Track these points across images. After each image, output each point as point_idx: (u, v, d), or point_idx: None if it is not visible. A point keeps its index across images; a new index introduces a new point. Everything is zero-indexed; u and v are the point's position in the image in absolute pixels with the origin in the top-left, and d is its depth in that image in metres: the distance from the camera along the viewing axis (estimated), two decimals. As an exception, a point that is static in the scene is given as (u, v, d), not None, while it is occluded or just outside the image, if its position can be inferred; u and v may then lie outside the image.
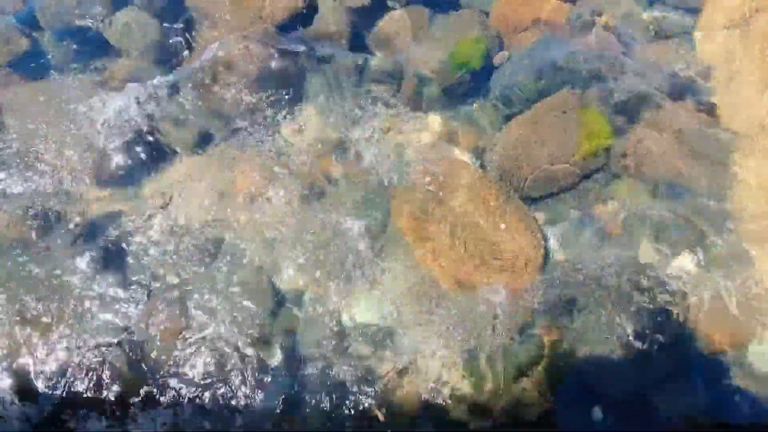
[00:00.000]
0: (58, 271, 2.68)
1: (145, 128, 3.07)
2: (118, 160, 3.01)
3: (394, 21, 3.51)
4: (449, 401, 2.49)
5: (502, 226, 2.73)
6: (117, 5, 3.50)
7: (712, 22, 3.43)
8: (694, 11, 3.47)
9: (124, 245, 2.82)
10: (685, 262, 2.76)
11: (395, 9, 3.55)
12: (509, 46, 3.52)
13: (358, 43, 3.48)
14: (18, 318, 2.57)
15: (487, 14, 3.57)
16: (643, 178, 2.98)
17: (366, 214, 2.90)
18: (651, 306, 2.64)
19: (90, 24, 3.44)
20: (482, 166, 3.07)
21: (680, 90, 3.22)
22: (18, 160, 2.99)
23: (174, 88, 3.19)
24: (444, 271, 2.73)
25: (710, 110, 3.14)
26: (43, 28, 3.48)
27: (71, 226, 2.83)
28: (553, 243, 2.89)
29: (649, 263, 2.77)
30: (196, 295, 2.68)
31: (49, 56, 3.38)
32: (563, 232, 2.93)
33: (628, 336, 2.58)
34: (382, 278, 2.76)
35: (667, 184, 2.97)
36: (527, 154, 2.93)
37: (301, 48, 3.33)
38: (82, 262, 2.72)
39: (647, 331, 2.59)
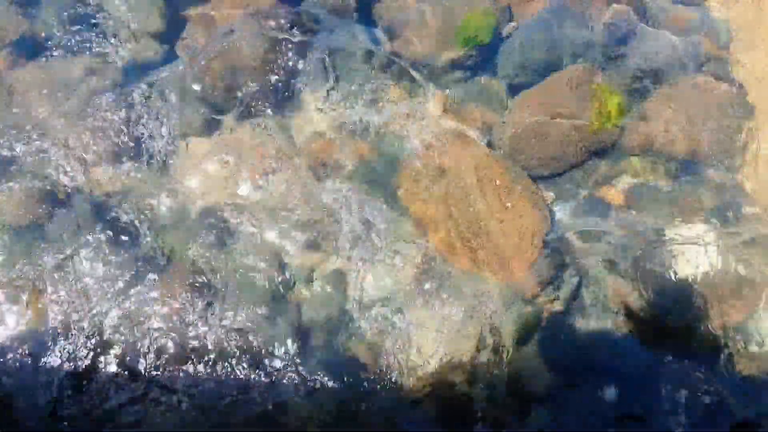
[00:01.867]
0: (67, 251, 2.71)
1: (152, 110, 3.03)
2: (125, 140, 2.99)
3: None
4: (452, 375, 2.53)
5: (508, 204, 2.71)
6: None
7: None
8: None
9: (133, 223, 2.83)
10: (699, 232, 2.72)
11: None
12: (519, 16, 3.37)
13: (364, 18, 3.36)
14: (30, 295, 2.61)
15: (496, -18, 3.40)
16: (657, 152, 2.91)
17: (373, 191, 2.89)
18: (661, 276, 2.63)
19: (91, 3, 3.34)
20: (490, 144, 3.01)
21: (697, 61, 3.09)
22: (27, 139, 2.98)
23: (180, 71, 3.13)
24: (448, 248, 2.73)
25: (728, 82, 3.01)
26: (43, 6, 3.38)
27: (81, 204, 2.85)
28: (560, 218, 2.87)
29: (660, 234, 2.73)
30: (205, 274, 2.70)
31: (52, 36, 3.29)
32: (572, 208, 2.90)
33: (635, 309, 2.58)
34: (389, 255, 2.76)
35: (680, 159, 2.90)
36: (535, 131, 2.85)
37: (307, 23, 3.23)
38: (92, 241, 2.73)
39: (655, 303, 2.59)
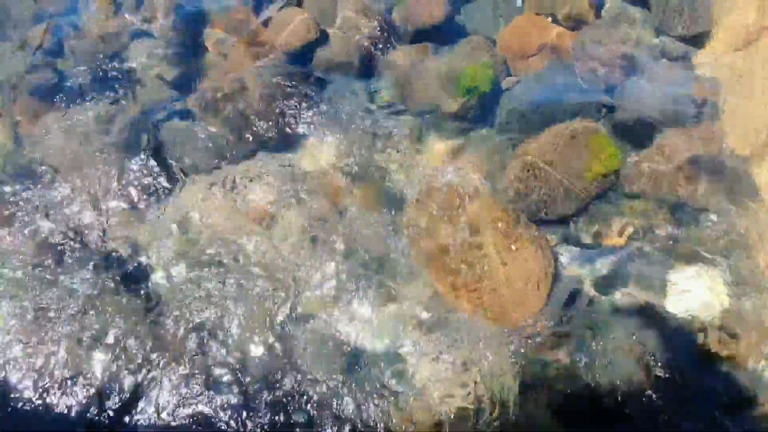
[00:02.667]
0: (77, 292, 2.67)
1: (161, 151, 3.09)
2: (134, 182, 3.03)
3: (401, 52, 3.52)
4: (452, 426, 2.37)
5: (513, 247, 2.66)
6: (137, 36, 3.58)
7: (718, 45, 3.39)
8: (700, 36, 3.43)
9: (141, 265, 2.81)
10: (702, 277, 2.66)
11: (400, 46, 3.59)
12: (517, 72, 3.51)
13: (367, 72, 3.49)
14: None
15: (493, 42, 3.58)
16: (654, 198, 2.91)
17: (375, 236, 2.86)
18: (666, 325, 2.55)
19: (112, 53, 3.52)
20: (492, 189, 3.02)
21: (688, 112, 3.16)
22: (38, 183, 3.02)
23: (189, 114, 3.23)
24: (452, 293, 2.65)
25: (719, 131, 3.07)
26: (67, 58, 3.55)
27: (91, 246, 2.84)
28: (564, 263, 2.81)
29: (664, 279, 2.66)
30: (206, 314, 2.65)
31: (72, 85, 3.45)
32: (576, 253, 2.85)
33: (642, 357, 2.46)
34: (395, 298, 2.69)
35: (678, 204, 2.90)
36: (538, 176, 2.87)
37: (313, 76, 3.37)
38: (101, 284, 2.71)
39: (662, 351, 2.47)
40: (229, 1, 3.78)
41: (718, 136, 3.04)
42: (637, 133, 3.11)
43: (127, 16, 3.69)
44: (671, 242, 2.79)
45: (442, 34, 3.61)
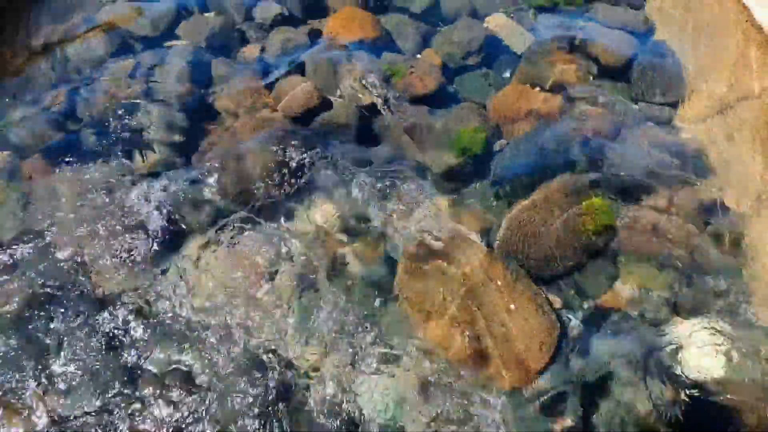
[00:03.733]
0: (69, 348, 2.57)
1: (163, 213, 3.10)
2: (134, 243, 3.00)
3: (398, 115, 3.67)
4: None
5: (512, 306, 2.59)
6: (149, 99, 3.71)
7: (696, 111, 3.55)
8: (678, 103, 3.62)
9: (136, 325, 2.71)
10: (705, 338, 2.57)
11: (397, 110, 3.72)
12: (508, 135, 3.63)
13: (365, 135, 3.60)
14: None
15: (485, 107, 3.74)
16: (650, 256, 2.89)
17: (373, 292, 2.80)
18: (673, 386, 2.45)
19: (123, 116, 3.62)
20: (488, 246, 3.00)
21: (675, 171, 3.24)
22: (39, 240, 2.98)
23: (193, 175, 3.27)
24: (449, 354, 2.54)
25: (709, 189, 3.13)
26: (80, 119, 3.64)
27: (84, 305, 2.76)
28: (565, 323, 2.73)
29: (669, 342, 2.58)
30: (200, 376, 2.53)
31: (81, 146, 3.51)
32: (576, 313, 2.78)
33: (652, 424, 2.32)
34: (390, 362, 2.57)
35: (674, 261, 2.88)
36: (533, 233, 2.87)
37: (313, 140, 3.47)
38: (94, 341, 2.61)
39: (671, 415, 2.34)
40: (237, 69, 3.98)
41: (709, 194, 3.09)
42: (627, 192, 3.17)
43: (140, 80, 3.84)
44: (671, 300, 2.74)
45: (436, 101, 3.78)
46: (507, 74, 4.01)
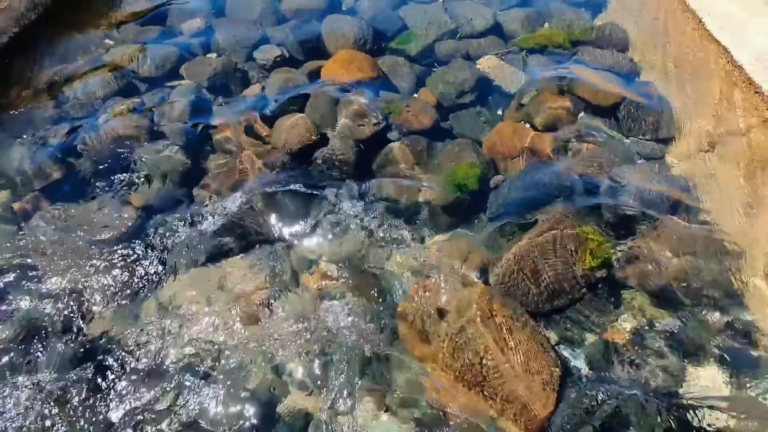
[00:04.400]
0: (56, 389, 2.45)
1: (156, 250, 3.04)
2: (126, 278, 2.93)
3: (395, 150, 3.69)
4: None
5: (513, 344, 2.50)
6: (151, 136, 3.73)
7: (686, 147, 3.61)
8: (668, 140, 3.68)
9: (123, 362, 2.61)
10: (713, 380, 2.49)
11: (395, 141, 3.76)
12: (503, 170, 3.65)
13: (363, 171, 3.61)
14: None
15: (479, 143, 3.78)
16: (650, 290, 2.85)
17: (370, 333, 2.71)
18: (679, 420, 2.36)
19: (124, 152, 3.62)
20: (486, 282, 2.95)
21: (669, 206, 3.25)
22: (27, 276, 2.90)
23: (191, 211, 3.24)
24: (451, 397, 2.42)
25: (704, 226, 3.12)
26: (80, 155, 3.63)
27: (70, 343, 2.66)
28: (568, 361, 2.64)
29: (675, 383, 2.48)
30: (193, 411, 2.42)
31: (78, 181, 3.49)
32: (579, 351, 2.69)
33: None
34: (387, 407, 2.45)
35: (674, 294, 2.83)
36: (530, 268, 2.83)
37: (311, 175, 3.47)
38: (78, 380, 2.51)
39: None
40: (238, 107, 4.03)
41: (703, 230, 3.08)
42: (623, 226, 3.16)
43: (142, 118, 3.87)
44: (675, 335, 2.67)
45: (432, 137, 3.82)
46: (500, 112, 4.09)
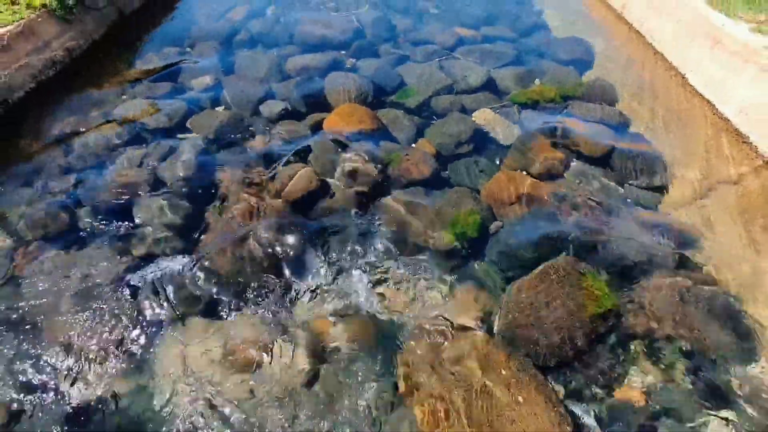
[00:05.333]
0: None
1: (156, 299, 2.95)
2: (124, 330, 2.81)
3: (395, 198, 3.69)
4: None
5: (520, 398, 2.35)
6: (154, 185, 3.74)
7: (680, 194, 3.62)
8: (662, 187, 3.69)
9: (117, 414, 2.46)
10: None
11: (395, 190, 3.78)
12: (501, 217, 3.63)
13: (364, 218, 3.59)
14: None
15: (477, 191, 3.79)
16: (656, 339, 2.73)
17: (371, 384, 2.56)
18: None
19: (126, 202, 3.61)
20: (490, 331, 2.83)
21: (669, 254, 3.19)
22: (27, 332, 2.78)
23: (191, 262, 3.17)
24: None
25: (704, 272, 3.05)
26: (84, 204, 3.62)
27: (72, 403, 2.51)
28: (578, 418, 2.46)
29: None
30: None
31: (82, 230, 3.45)
32: (588, 407, 2.52)
33: None
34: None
35: (682, 344, 2.70)
36: (534, 317, 2.72)
37: (313, 223, 3.44)
38: None
39: None
40: (242, 157, 4.08)
41: (702, 276, 3.01)
42: (624, 273, 3.09)
43: (149, 168, 3.90)
44: (686, 389, 2.51)
45: (431, 186, 3.84)
46: (497, 161, 4.14)
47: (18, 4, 4.98)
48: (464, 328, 2.79)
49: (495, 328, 2.82)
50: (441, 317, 2.88)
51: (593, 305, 2.75)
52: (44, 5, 5.11)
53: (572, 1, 7.63)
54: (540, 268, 3.00)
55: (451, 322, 2.84)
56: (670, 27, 5.48)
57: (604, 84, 5.11)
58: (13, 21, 4.71)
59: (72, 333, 2.79)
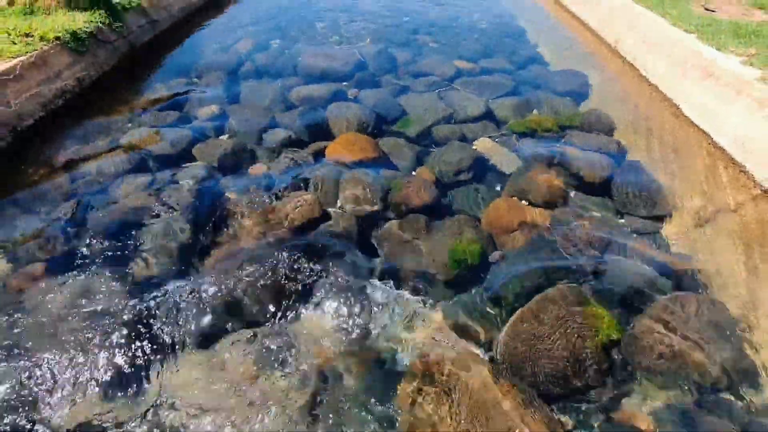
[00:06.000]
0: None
1: (158, 324, 2.89)
2: (124, 357, 2.74)
3: (396, 226, 3.69)
4: None
5: (526, 429, 2.26)
6: (159, 212, 3.74)
7: (680, 224, 3.60)
8: (663, 216, 3.68)
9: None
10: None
11: (396, 217, 3.77)
12: (502, 245, 3.61)
13: (365, 245, 3.57)
14: None
15: (478, 219, 3.79)
16: (662, 370, 2.64)
17: (371, 412, 2.47)
18: None
19: (131, 225, 3.60)
20: (492, 360, 2.76)
21: (672, 283, 3.15)
22: (20, 356, 2.71)
23: (192, 288, 3.13)
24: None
25: (709, 300, 3.00)
26: (87, 229, 3.60)
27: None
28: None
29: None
30: None
31: (83, 256, 3.41)
32: (593, 438, 2.43)
33: None
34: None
35: (689, 374, 2.62)
36: (537, 346, 2.66)
37: (315, 250, 3.42)
38: None
39: None
40: (245, 184, 4.10)
41: (710, 306, 2.96)
42: (626, 303, 3.04)
43: (152, 195, 3.91)
44: (693, 420, 2.42)
45: (432, 213, 3.84)
46: (497, 189, 4.16)
47: (32, 36, 5.14)
48: (466, 358, 2.72)
49: (497, 358, 2.75)
50: (442, 346, 2.81)
51: (597, 334, 2.69)
52: (58, 38, 5.27)
53: (566, 36, 7.88)
54: (541, 296, 2.96)
55: (454, 350, 2.77)
56: (663, 61, 5.63)
57: (601, 114, 5.19)
58: (26, 52, 4.84)
59: (68, 359, 2.72)
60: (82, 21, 5.79)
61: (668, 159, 4.39)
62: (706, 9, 6.47)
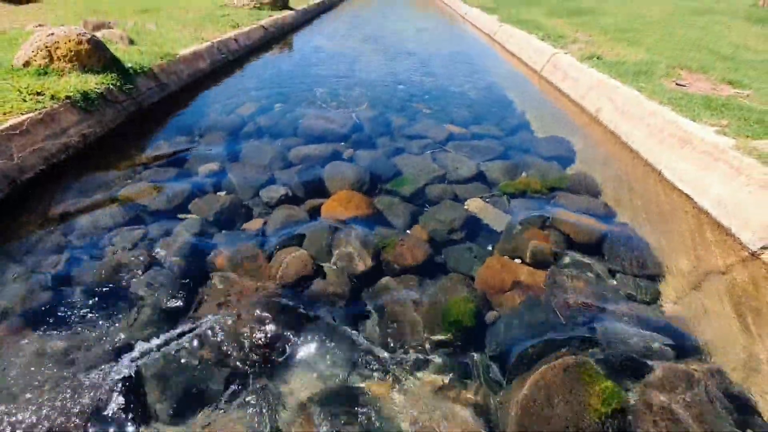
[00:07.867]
0: None
1: (137, 389, 2.67)
2: (105, 419, 2.50)
3: (389, 284, 3.60)
4: None
5: None
6: (149, 266, 3.63)
7: (673, 285, 3.55)
8: (655, 277, 3.64)
9: None
10: None
11: (388, 276, 3.70)
12: (496, 305, 3.51)
13: (357, 303, 3.46)
14: None
15: (472, 278, 3.71)
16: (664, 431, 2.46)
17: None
18: None
19: (119, 280, 3.46)
20: (490, 427, 2.55)
21: (671, 348, 3.03)
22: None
23: (178, 346, 2.96)
24: None
25: (703, 361, 2.87)
26: (75, 283, 3.46)
27: None
28: None
29: None
30: None
31: (67, 310, 3.25)
32: None
33: None
34: None
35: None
36: (538, 415, 2.48)
37: (306, 307, 3.30)
38: None
39: None
40: (239, 239, 4.04)
41: (705, 365, 2.83)
42: (626, 369, 2.89)
43: (145, 248, 3.82)
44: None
45: (425, 271, 3.77)
46: (489, 248, 4.13)
47: (43, 95, 5.30)
48: (463, 424, 2.52)
49: (497, 423, 2.55)
50: (437, 413, 2.61)
51: (598, 403, 2.52)
52: (68, 97, 5.44)
53: (550, 105, 8.31)
54: (540, 362, 2.82)
55: (449, 418, 2.57)
56: (640, 131, 5.90)
57: (587, 177, 5.33)
58: (36, 110, 4.96)
59: (44, 421, 2.48)
60: (93, 83, 6.01)
61: (654, 221, 4.44)
62: (678, 84, 6.92)
